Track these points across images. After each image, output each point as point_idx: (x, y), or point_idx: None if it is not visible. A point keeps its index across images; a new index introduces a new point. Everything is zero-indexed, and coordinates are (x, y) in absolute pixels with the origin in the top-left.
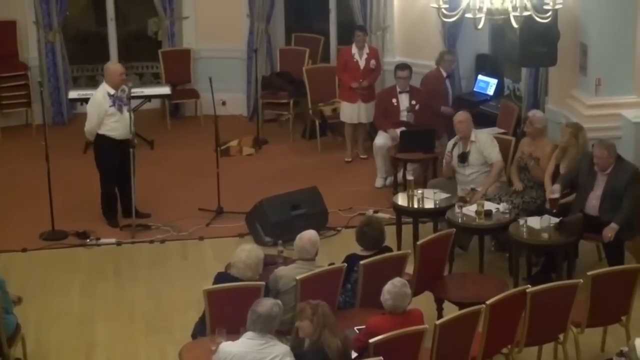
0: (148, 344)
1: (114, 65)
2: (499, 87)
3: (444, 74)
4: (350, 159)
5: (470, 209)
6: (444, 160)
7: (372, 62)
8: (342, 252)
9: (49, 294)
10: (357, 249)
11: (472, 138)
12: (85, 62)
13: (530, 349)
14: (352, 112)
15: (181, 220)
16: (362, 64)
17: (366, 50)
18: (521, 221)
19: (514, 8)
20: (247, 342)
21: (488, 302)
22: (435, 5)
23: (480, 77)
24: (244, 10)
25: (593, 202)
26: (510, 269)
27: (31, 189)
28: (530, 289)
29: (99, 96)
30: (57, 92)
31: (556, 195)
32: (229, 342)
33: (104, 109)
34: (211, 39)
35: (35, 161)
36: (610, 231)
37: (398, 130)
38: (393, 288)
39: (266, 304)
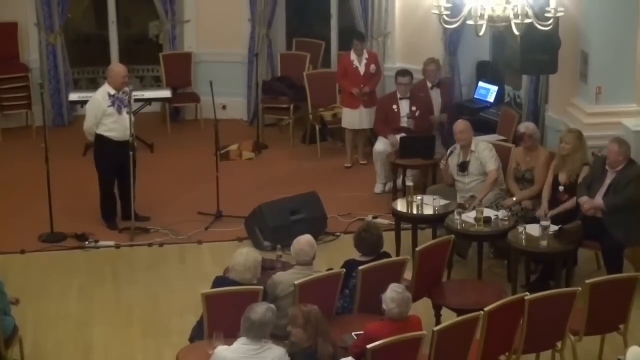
0: (145, 347)
1: (117, 67)
2: (500, 94)
3: (429, 84)
4: (350, 165)
5: (470, 216)
6: (440, 166)
7: (372, 66)
8: (341, 258)
9: (47, 296)
10: (356, 255)
11: (472, 147)
12: (86, 64)
13: (527, 357)
14: (353, 118)
15: (180, 224)
16: (361, 69)
17: (365, 55)
18: (520, 228)
19: (515, 15)
20: (241, 347)
21: (486, 308)
22: (437, 12)
23: (480, 84)
24: (245, 14)
25: (597, 200)
26: (509, 276)
27: (30, 190)
28: (528, 296)
29: (98, 96)
30: (57, 94)
31: (588, 206)
32: (224, 347)
33: (101, 109)
34: (212, 42)
35: (35, 163)
36: (591, 204)
37: (398, 136)
38: (396, 295)
39: (259, 311)
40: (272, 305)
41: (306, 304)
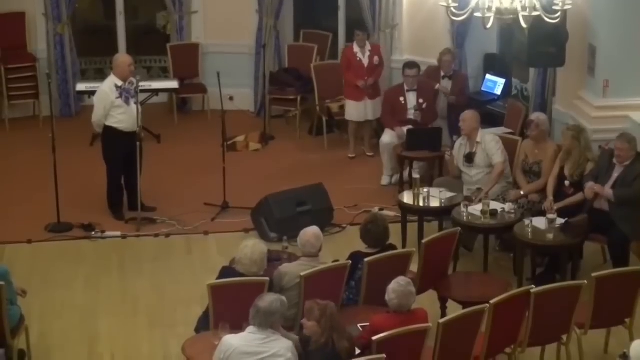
0: (151, 337)
1: (123, 57)
2: (507, 87)
3: (442, 74)
4: (353, 155)
5: (476, 209)
6: (445, 157)
7: (376, 58)
8: (347, 250)
9: (54, 286)
10: (362, 247)
11: (478, 139)
12: (94, 55)
13: (533, 350)
14: (358, 110)
15: (186, 215)
16: (365, 61)
17: (368, 47)
18: (526, 221)
19: (523, 8)
20: (248, 336)
21: (492, 301)
22: (445, 4)
23: (488, 76)
24: (253, 5)
25: (607, 190)
26: (515, 269)
27: (37, 180)
28: (534, 289)
29: (106, 87)
30: (65, 84)
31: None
32: (232, 335)
33: (110, 101)
34: (220, 34)
35: (42, 153)
36: (600, 190)
37: (405, 129)
38: (398, 287)
39: (267, 300)
40: (283, 297)
41: (322, 300)
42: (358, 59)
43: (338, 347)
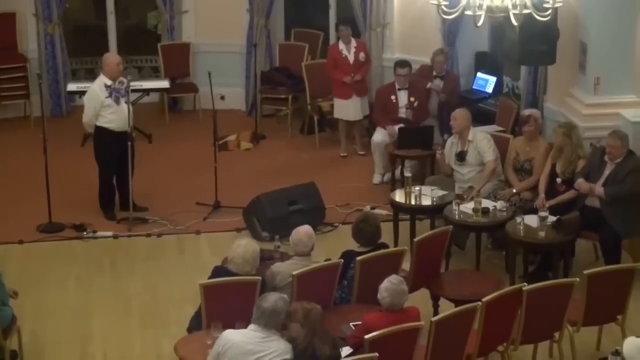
0: (144, 337)
1: (111, 56)
2: (498, 85)
3: (435, 74)
4: (345, 154)
5: (468, 207)
6: (436, 156)
7: (362, 54)
8: (339, 248)
9: (45, 286)
10: (354, 245)
11: (470, 137)
12: (85, 54)
13: (525, 347)
14: (347, 108)
15: (178, 214)
16: (351, 58)
17: (354, 44)
18: (518, 219)
19: (514, 6)
20: (249, 332)
21: (484, 299)
22: (435, 3)
23: (479, 74)
24: (243, 4)
25: (598, 188)
26: (507, 266)
27: (29, 181)
28: (526, 287)
29: (96, 87)
30: (55, 84)
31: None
32: (232, 330)
33: (99, 101)
34: (211, 33)
35: (33, 153)
36: (592, 190)
37: (396, 127)
38: (390, 285)
39: (270, 299)
40: (285, 295)
41: (309, 302)
42: (344, 55)
43: (319, 352)
